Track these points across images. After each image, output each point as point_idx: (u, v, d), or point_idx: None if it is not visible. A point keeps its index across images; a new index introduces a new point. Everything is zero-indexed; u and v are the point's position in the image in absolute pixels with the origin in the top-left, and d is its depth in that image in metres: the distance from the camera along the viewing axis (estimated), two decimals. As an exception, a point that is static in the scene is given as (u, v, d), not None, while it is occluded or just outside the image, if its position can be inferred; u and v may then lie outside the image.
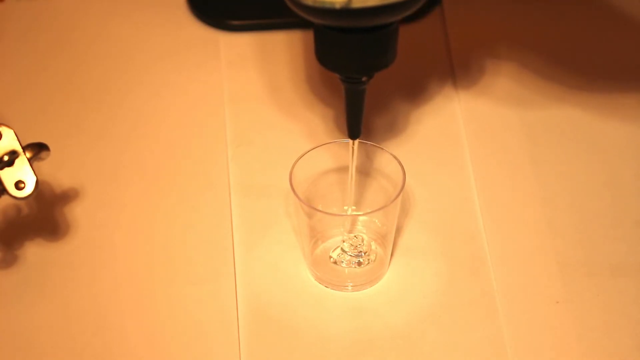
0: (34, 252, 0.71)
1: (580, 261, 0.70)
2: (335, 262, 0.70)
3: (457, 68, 0.83)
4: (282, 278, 0.70)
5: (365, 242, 0.70)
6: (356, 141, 0.67)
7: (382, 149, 0.69)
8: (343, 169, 0.71)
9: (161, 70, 0.84)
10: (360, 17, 0.59)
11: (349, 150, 0.67)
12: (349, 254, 0.70)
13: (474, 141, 0.78)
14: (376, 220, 0.70)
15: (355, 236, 0.70)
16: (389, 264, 0.70)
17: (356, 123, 0.66)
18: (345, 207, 0.71)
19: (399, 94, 0.82)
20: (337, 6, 0.58)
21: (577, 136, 0.78)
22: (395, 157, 0.68)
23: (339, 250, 0.70)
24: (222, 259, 0.71)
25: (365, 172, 0.70)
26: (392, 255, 0.70)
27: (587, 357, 0.65)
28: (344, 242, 0.70)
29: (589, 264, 0.70)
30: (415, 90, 0.82)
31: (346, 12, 0.58)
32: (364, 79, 0.64)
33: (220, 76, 0.83)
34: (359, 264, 0.70)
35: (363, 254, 0.70)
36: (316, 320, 0.68)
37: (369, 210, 0.71)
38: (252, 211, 0.74)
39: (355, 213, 0.72)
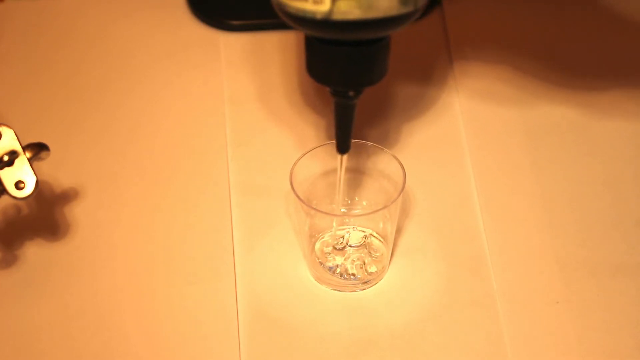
0: (34, 252, 0.71)
1: (581, 261, 0.70)
2: (331, 270, 0.70)
3: (457, 68, 0.83)
4: (282, 278, 0.70)
5: (365, 266, 0.70)
6: (344, 156, 0.67)
7: (383, 149, 0.69)
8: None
9: (161, 70, 0.84)
10: (340, 30, 0.59)
11: (338, 163, 0.67)
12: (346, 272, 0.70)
13: (474, 141, 0.78)
14: (378, 221, 0.70)
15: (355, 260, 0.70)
16: (389, 264, 0.70)
17: (345, 138, 0.66)
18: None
19: (399, 94, 0.82)
20: (318, 17, 0.58)
21: (577, 136, 0.78)
22: (395, 158, 0.68)
23: (337, 261, 0.70)
24: (222, 259, 0.71)
25: (365, 172, 0.70)
26: (392, 255, 0.70)
27: (587, 357, 0.65)
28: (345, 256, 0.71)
29: (589, 264, 0.70)
30: (416, 91, 0.82)
31: (326, 23, 0.58)
32: (351, 93, 0.64)
33: (220, 76, 0.83)
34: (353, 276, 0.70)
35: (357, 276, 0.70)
36: (316, 320, 0.68)
37: (370, 211, 0.71)
38: (252, 211, 0.74)
39: (356, 213, 0.72)
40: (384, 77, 0.63)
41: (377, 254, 0.70)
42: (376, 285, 0.70)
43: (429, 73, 0.83)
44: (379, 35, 0.61)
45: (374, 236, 0.71)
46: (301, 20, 0.59)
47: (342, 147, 0.66)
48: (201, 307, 0.68)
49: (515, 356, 0.65)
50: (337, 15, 0.58)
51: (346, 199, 0.72)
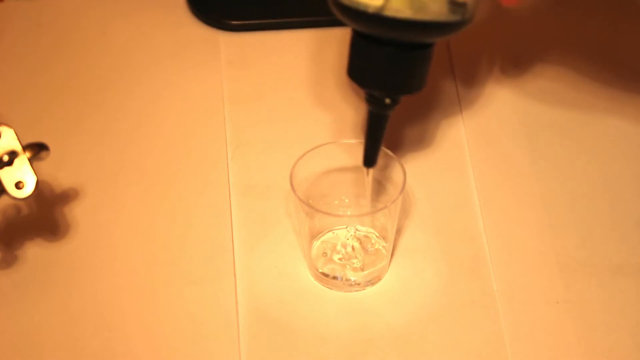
0: (34, 252, 0.71)
1: (580, 261, 0.70)
2: (330, 275, 0.70)
3: (458, 69, 0.83)
4: (282, 278, 0.70)
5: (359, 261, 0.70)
6: (370, 170, 0.67)
7: (383, 149, 0.69)
8: (343, 169, 0.71)
9: (161, 70, 0.84)
10: (388, 27, 0.59)
11: (365, 178, 0.67)
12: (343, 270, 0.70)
13: (474, 141, 0.78)
14: (378, 221, 0.70)
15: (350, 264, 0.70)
16: (389, 264, 0.70)
17: (373, 151, 0.66)
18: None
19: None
20: (370, 10, 0.59)
21: (577, 136, 0.78)
22: (395, 158, 0.68)
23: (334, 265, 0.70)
24: (222, 259, 0.71)
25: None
26: (392, 255, 0.70)
27: (587, 357, 0.65)
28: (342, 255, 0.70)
29: (589, 264, 0.70)
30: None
31: (376, 18, 0.59)
32: (387, 101, 0.64)
33: (220, 76, 0.83)
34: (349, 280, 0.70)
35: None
36: (316, 320, 0.68)
37: (370, 211, 0.71)
38: (252, 211, 0.74)
39: (356, 213, 0.72)
40: (422, 89, 0.64)
41: (377, 254, 0.70)
42: (376, 285, 0.70)
43: (429, 74, 0.83)
44: (424, 40, 0.61)
45: (374, 236, 0.71)
46: (353, 13, 0.59)
47: (369, 160, 0.66)
48: (201, 307, 0.68)
49: (515, 356, 0.65)
50: (389, 12, 0.58)
51: (346, 198, 0.72)
